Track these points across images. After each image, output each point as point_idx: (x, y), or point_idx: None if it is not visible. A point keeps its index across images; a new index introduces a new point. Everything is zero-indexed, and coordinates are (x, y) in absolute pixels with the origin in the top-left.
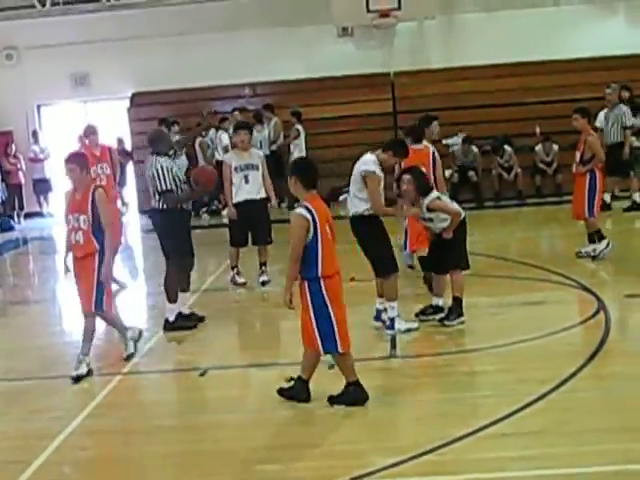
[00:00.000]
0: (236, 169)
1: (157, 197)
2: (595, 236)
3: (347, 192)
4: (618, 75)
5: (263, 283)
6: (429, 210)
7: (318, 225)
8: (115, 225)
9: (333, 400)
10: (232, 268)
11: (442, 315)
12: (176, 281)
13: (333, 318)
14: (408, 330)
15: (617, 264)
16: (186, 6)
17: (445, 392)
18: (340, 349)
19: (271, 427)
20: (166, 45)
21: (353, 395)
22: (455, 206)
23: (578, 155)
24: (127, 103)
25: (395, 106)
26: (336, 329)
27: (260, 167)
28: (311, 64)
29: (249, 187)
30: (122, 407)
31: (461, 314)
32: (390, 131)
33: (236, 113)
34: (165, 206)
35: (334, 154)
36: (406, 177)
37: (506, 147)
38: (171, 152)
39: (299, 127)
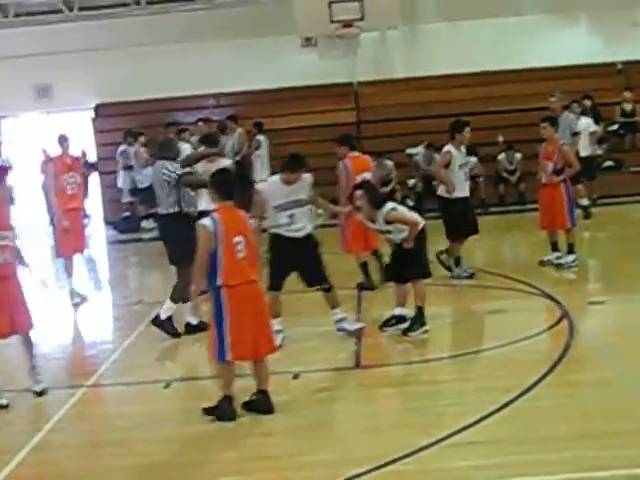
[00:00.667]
0: None
1: (170, 200)
2: (568, 246)
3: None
4: (580, 84)
5: None
6: (387, 222)
7: (221, 235)
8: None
9: (206, 410)
10: None
11: (405, 325)
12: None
13: (227, 327)
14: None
15: (579, 271)
16: (150, 17)
17: (408, 401)
18: (228, 358)
19: (234, 439)
20: (130, 56)
21: (220, 410)
22: (413, 215)
23: (551, 165)
24: (91, 114)
25: (359, 116)
26: (228, 339)
27: None
28: (275, 74)
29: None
30: (86, 420)
31: (424, 323)
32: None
33: (200, 124)
34: (179, 209)
35: None
36: (358, 192)
37: (471, 158)
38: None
39: (260, 138)
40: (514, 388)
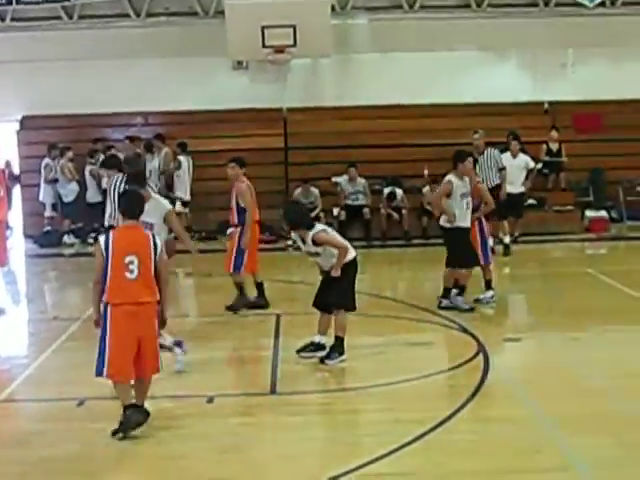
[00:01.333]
0: None
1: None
2: (485, 283)
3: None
4: (507, 121)
5: None
6: (315, 244)
7: (110, 254)
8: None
9: (114, 431)
10: None
11: (323, 353)
12: None
13: (107, 343)
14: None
15: (497, 307)
16: (82, 31)
17: (323, 430)
18: (105, 375)
19: (146, 460)
20: (60, 69)
21: (130, 417)
22: (344, 241)
23: None
24: (16, 126)
25: (287, 141)
26: (107, 355)
27: None
28: (204, 96)
29: None
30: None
31: (342, 353)
32: (281, 166)
33: (127, 141)
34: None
35: (221, 187)
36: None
37: (397, 190)
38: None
39: (181, 158)
40: (428, 420)
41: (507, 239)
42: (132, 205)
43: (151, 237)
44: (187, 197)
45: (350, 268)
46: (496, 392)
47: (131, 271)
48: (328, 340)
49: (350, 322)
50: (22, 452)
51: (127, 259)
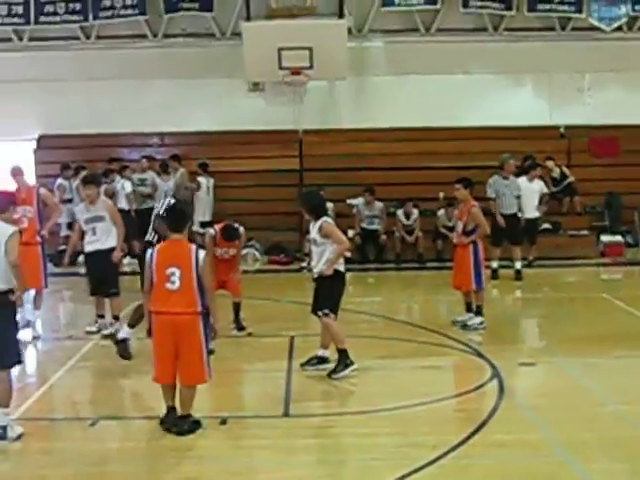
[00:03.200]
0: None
1: None
2: (475, 308)
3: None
4: (524, 145)
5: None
6: (320, 233)
7: (154, 266)
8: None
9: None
10: (98, 316)
11: (326, 366)
12: None
13: (154, 349)
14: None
15: (510, 331)
16: (100, 51)
17: (335, 454)
18: (153, 379)
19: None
20: (78, 89)
21: (168, 418)
22: (345, 239)
23: (460, 225)
24: (33, 145)
25: (302, 163)
26: (154, 359)
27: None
28: (220, 117)
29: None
30: (6, 454)
31: (348, 365)
32: (295, 187)
33: (143, 161)
34: None
35: (236, 208)
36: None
37: (414, 209)
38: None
39: (200, 179)
40: (442, 445)
41: (518, 264)
42: (177, 220)
43: (194, 250)
44: (207, 218)
45: (338, 279)
46: (511, 417)
47: (172, 282)
48: (331, 354)
49: (363, 345)
50: (35, 471)
51: (168, 271)
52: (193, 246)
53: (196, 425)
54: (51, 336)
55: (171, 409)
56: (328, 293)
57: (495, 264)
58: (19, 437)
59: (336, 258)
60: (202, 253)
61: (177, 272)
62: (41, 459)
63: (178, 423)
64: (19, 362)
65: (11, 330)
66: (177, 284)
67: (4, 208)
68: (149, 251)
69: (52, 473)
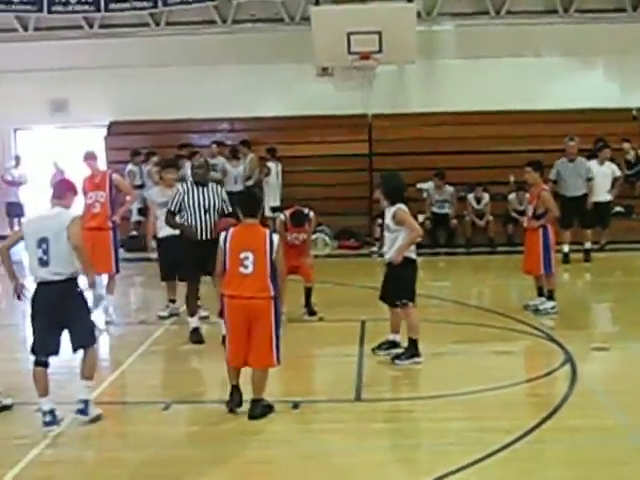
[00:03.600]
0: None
1: None
2: (547, 293)
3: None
4: (594, 128)
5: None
6: (394, 220)
7: (227, 250)
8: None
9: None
10: (170, 301)
11: (398, 351)
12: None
13: (226, 331)
14: None
15: (583, 316)
16: (169, 37)
17: (408, 438)
18: (225, 359)
19: (232, 465)
20: (147, 75)
21: (234, 398)
22: (418, 227)
23: (531, 209)
24: (104, 131)
25: (371, 148)
26: (227, 342)
27: None
28: (290, 102)
29: None
30: (82, 438)
31: (413, 355)
32: (365, 172)
33: (213, 147)
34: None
35: (305, 193)
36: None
37: (484, 193)
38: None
39: (270, 164)
40: (515, 430)
41: (588, 244)
42: (250, 205)
43: (268, 235)
44: (276, 203)
45: (410, 265)
46: (583, 402)
47: (245, 266)
48: (402, 339)
49: (435, 329)
50: (109, 454)
51: (242, 255)
52: (267, 231)
53: (268, 409)
54: (123, 321)
55: (235, 388)
56: (404, 282)
57: (566, 248)
58: (97, 418)
59: (407, 245)
60: (276, 238)
61: (251, 256)
62: (116, 442)
63: (251, 407)
64: (93, 342)
65: (83, 311)
66: (250, 268)
67: (62, 195)
68: (222, 235)
69: (127, 456)
